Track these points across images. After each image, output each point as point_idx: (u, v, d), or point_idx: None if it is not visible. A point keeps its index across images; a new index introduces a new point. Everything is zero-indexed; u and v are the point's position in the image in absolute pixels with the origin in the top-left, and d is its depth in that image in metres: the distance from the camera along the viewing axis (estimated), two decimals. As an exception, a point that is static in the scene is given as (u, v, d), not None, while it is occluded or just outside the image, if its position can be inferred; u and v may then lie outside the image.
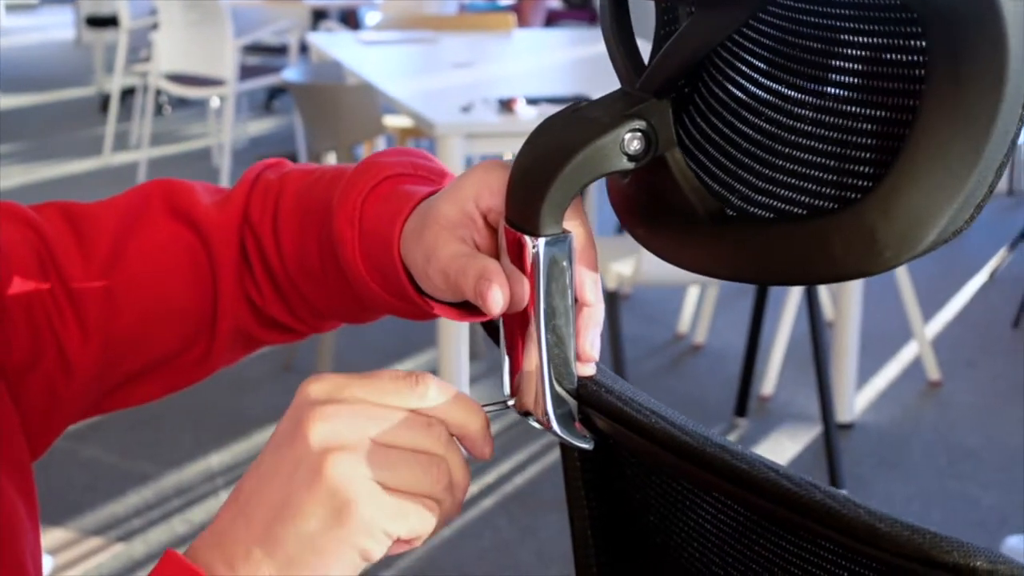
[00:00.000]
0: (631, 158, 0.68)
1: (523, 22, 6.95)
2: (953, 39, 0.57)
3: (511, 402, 0.75)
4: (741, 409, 3.61)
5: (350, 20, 8.19)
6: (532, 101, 3.30)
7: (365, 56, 4.34)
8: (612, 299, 3.28)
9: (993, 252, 5.06)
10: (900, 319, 3.98)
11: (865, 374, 3.87)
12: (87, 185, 6.38)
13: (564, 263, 0.70)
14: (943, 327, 4.40)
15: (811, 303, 3.28)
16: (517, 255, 0.71)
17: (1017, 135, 0.58)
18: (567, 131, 0.69)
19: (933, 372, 3.91)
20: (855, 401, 3.67)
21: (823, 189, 0.63)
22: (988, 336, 4.34)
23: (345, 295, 0.89)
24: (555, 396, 0.72)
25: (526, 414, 0.74)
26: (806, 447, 3.48)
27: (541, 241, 0.69)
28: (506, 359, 0.74)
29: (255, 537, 0.65)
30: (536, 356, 0.72)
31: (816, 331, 3.27)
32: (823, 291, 3.81)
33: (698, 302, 4.25)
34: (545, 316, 0.71)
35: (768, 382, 3.80)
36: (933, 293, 4.62)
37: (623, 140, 0.67)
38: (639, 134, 0.68)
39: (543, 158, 0.69)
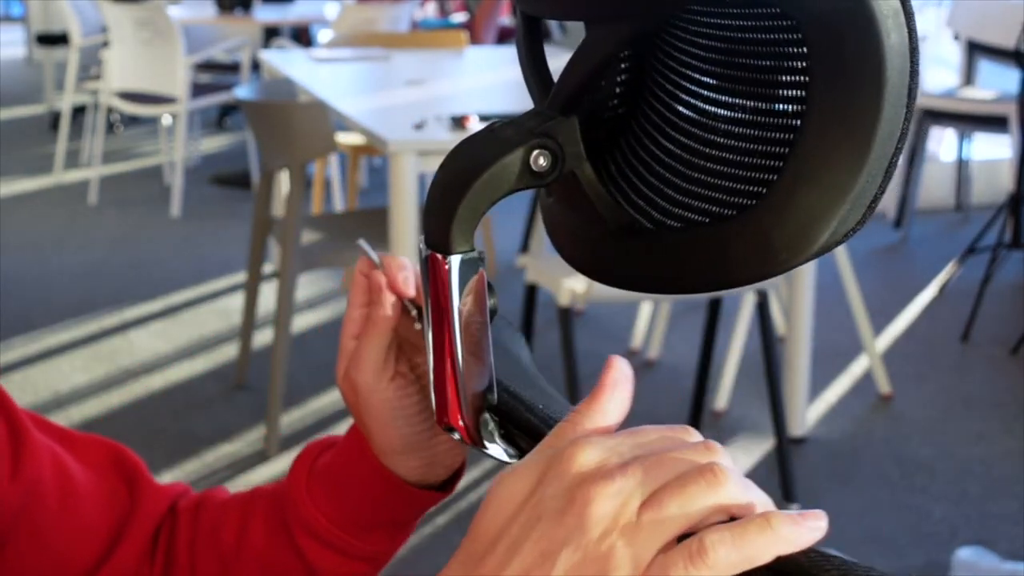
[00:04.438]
0: (538, 175, 0.69)
1: (475, 39, 6.97)
2: (832, 43, 0.59)
3: (436, 417, 0.76)
4: (695, 424, 3.62)
5: (302, 37, 8.18)
6: (485, 118, 3.31)
7: (317, 73, 4.34)
8: (565, 316, 3.28)
9: (942, 267, 5.11)
10: (851, 334, 4.02)
11: (817, 388, 3.90)
12: (38, 203, 6.33)
13: (477, 279, 0.72)
14: (893, 341, 4.44)
15: (763, 318, 3.30)
16: (433, 276, 0.72)
17: (904, 135, 0.59)
18: (477, 150, 0.70)
19: (884, 386, 3.94)
20: (807, 415, 3.69)
21: (726, 197, 0.65)
22: (938, 350, 4.38)
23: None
24: (474, 410, 0.74)
25: (450, 428, 0.75)
26: (759, 461, 3.50)
27: (452, 258, 0.71)
28: (431, 374, 0.75)
29: None
30: (456, 371, 0.73)
31: (768, 346, 3.29)
32: (775, 306, 3.84)
33: (651, 318, 4.26)
34: (460, 332, 0.72)
35: (721, 397, 3.82)
36: (883, 307, 4.66)
37: (530, 157, 0.68)
38: (545, 151, 0.68)
39: (454, 177, 0.70)
